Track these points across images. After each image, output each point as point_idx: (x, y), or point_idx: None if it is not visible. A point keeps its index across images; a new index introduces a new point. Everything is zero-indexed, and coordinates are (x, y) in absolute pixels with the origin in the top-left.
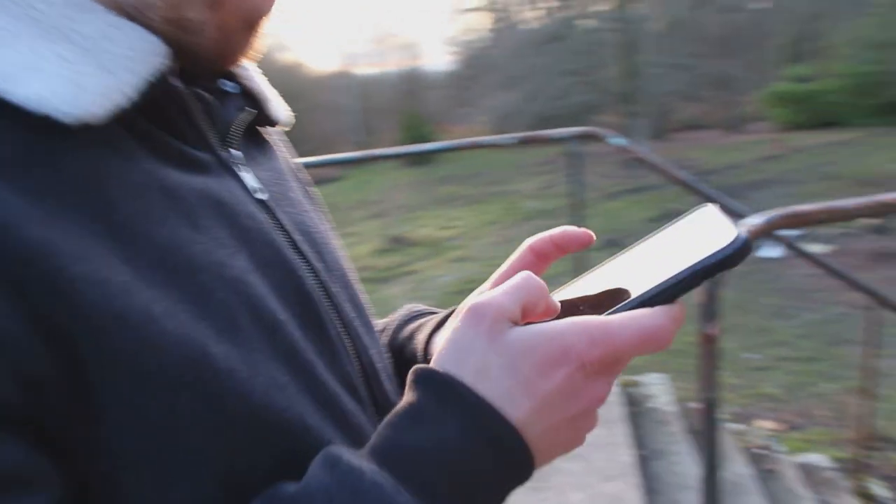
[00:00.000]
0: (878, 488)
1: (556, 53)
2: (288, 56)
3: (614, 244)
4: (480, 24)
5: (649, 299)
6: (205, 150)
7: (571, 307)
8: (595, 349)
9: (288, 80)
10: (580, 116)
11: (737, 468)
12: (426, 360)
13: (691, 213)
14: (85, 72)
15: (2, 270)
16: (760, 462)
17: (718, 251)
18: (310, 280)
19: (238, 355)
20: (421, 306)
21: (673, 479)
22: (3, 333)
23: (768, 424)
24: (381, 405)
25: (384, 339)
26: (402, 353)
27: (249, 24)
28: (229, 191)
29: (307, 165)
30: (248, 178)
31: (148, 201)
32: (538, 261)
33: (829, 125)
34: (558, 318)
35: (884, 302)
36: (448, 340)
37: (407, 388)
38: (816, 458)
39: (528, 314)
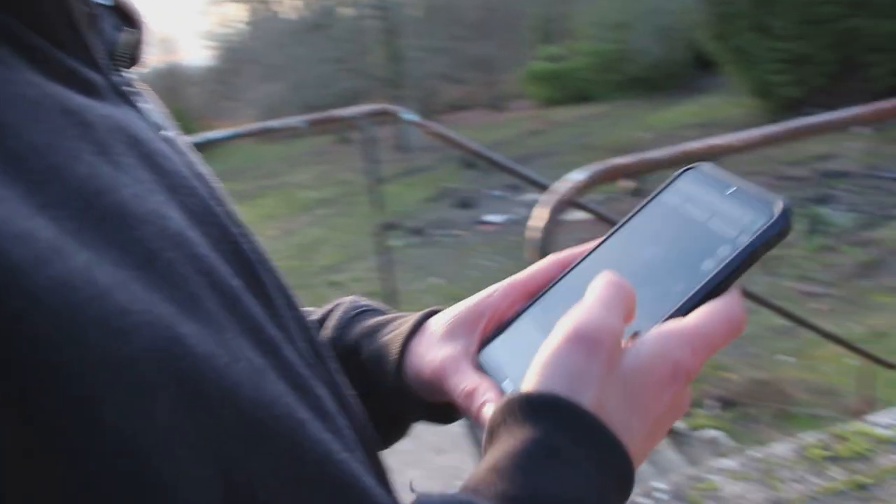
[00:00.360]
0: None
1: (318, 42)
2: None
3: (393, 227)
4: (237, 15)
5: (715, 288)
6: (94, 70)
7: None
8: (697, 358)
9: None
10: (349, 103)
11: None
12: (399, 368)
13: (684, 174)
14: None
15: None
16: None
17: (769, 224)
18: (243, 242)
19: (209, 335)
20: (363, 300)
21: None
22: None
23: None
24: (335, 392)
25: (324, 333)
26: (357, 354)
27: None
28: (134, 123)
29: None
30: (149, 110)
31: (51, 126)
32: (557, 271)
33: (582, 100)
34: None
35: None
36: (555, 367)
37: (516, 413)
38: None
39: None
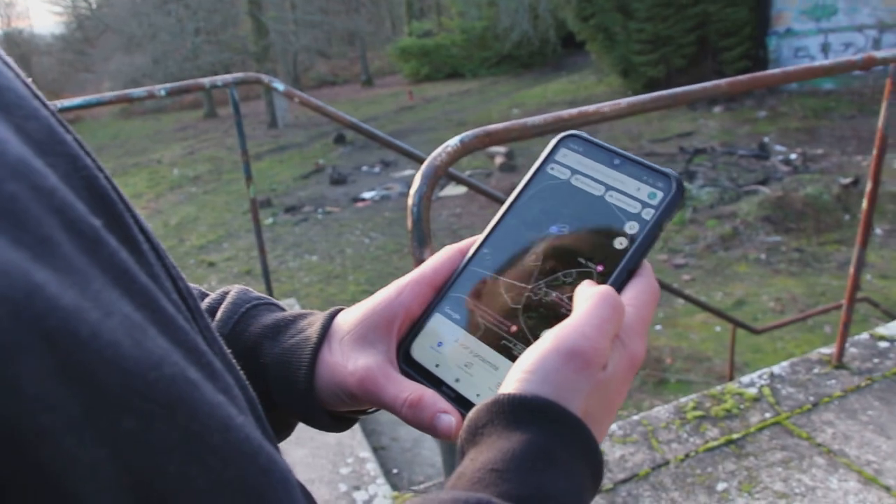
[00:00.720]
0: None
1: (180, 12)
2: None
3: (267, 205)
4: None
5: (633, 267)
6: None
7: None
8: (643, 341)
9: None
10: (215, 76)
11: None
12: (310, 377)
13: (560, 146)
14: None
15: None
16: None
17: (670, 198)
18: (98, 174)
19: (73, 286)
20: (254, 291)
21: (388, 417)
22: None
23: None
24: (217, 349)
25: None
26: (256, 355)
27: None
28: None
29: None
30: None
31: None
32: (449, 270)
33: (452, 76)
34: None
35: None
36: (544, 374)
37: (511, 418)
38: None
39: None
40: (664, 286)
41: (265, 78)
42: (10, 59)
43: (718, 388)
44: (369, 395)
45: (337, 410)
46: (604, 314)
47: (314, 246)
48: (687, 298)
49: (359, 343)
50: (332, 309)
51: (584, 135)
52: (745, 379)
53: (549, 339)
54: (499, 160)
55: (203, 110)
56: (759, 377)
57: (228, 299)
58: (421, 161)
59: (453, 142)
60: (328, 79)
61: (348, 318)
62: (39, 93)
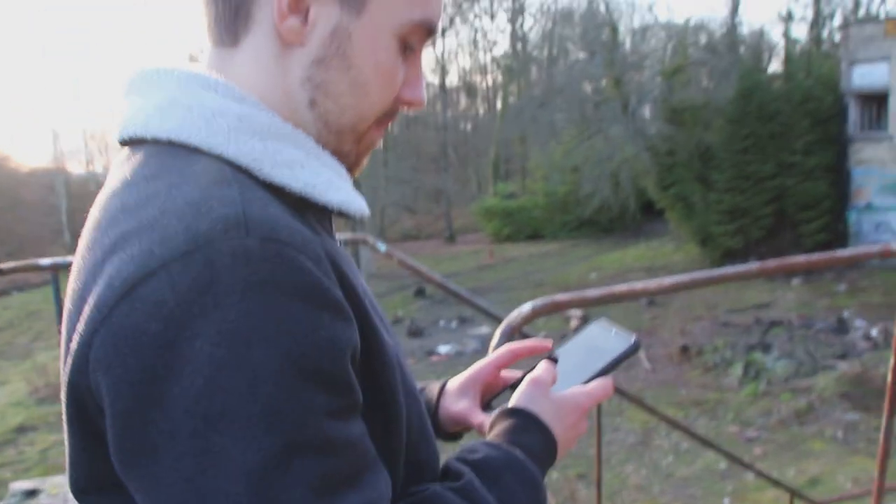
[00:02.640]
0: None
1: None
2: None
3: None
4: None
5: (599, 374)
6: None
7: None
8: (589, 402)
9: None
10: None
11: None
12: (436, 411)
13: (588, 325)
14: (351, 190)
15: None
16: None
17: (628, 347)
18: (379, 309)
19: (401, 363)
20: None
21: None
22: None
23: None
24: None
25: None
26: None
27: (367, 150)
28: (345, 254)
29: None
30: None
31: (349, 261)
32: (513, 358)
33: (533, 237)
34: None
35: None
36: (522, 395)
37: (509, 414)
38: None
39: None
40: (734, 459)
41: (370, 239)
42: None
43: None
44: (462, 420)
45: (448, 431)
46: (542, 369)
47: None
48: (758, 473)
49: (459, 394)
50: (444, 379)
51: (604, 320)
52: None
53: (525, 380)
54: (574, 323)
55: None
56: None
57: None
58: (498, 320)
59: (526, 307)
60: (412, 233)
61: (453, 382)
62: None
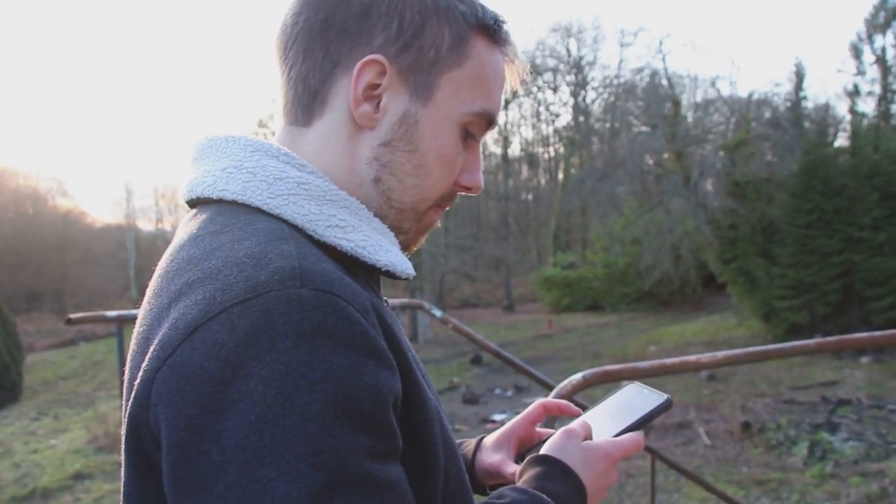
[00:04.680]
0: None
1: None
2: (66, 202)
3: None
4: None
5: (629, 428)
6: (380, 293)
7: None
8: (619, 453)
9: (62, 228)
10: None
11: None
12: (472, 465)
13: (623, 386)
14: (398, 252)
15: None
16: None
17: (660, 404)
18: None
19: (441, 417)
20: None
21: None
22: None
23: None
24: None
25: None
26: None
27: (425, 230)
28: (389, 311)
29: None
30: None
31: (392, 319)
32: (545, 414)
33: (592, 308)
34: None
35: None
36: (555, 444)
37: (536, 462)
38: None
39: (584, 437)
40: None
41: (426, 305)
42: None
43: None
44: (497, 472)
45: (484, 484)
46: (579, 422)
47: None
48: None
49: (494, 448)
50: (480, 436)
51: (637, 383)
52: None
53: (558, 431)
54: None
55: None
56: None
57: None
58: (552, 388)
59: (577, 377)
60: (471, 300)
61: (489, 438)
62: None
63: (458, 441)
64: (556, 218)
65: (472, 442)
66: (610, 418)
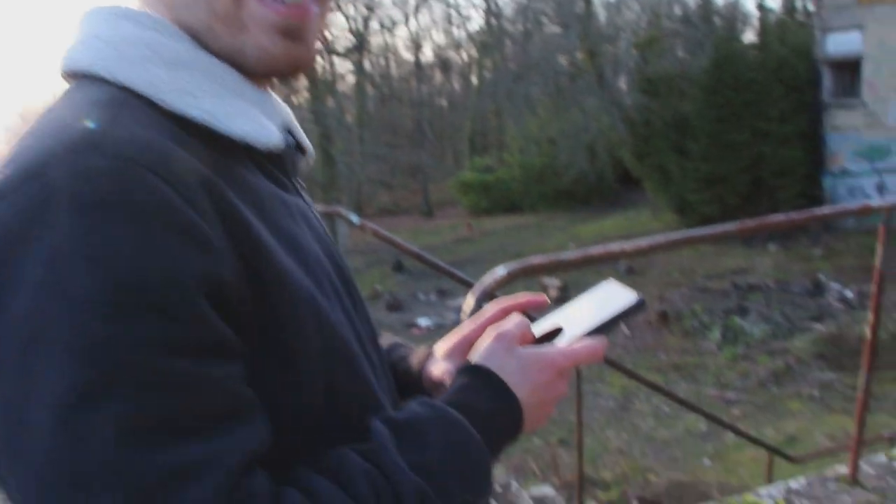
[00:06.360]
0: None
1: None
2: None
3: None
4: None
5: (590, 334)
6: (287, 178)
7: (542, 338)
8: (566, 361)
9: None
10: None
11: None
12: (419, 377)
13: (599, 285)
14: (263, 121)
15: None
16: (500, 498)
17: (629, 306)
18: (345, 270)
19: (328, 305)
20: (397, 338)
21: None
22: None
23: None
24: (380, 361)
25: None
26: (396, 367)
27: (276, 27)
28: (302, 205)
29: None
30: (305, 197)
31: (275, 204)
32: (503, 315)
33: (511, 210)
34: (537, 342)
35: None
36: (481, 350)
37: (460, 373)
38: (546, 490)
39: (521, 339)
40: (714, 420)
41: (343, 210)
42: (319, 217)
43: (736, 497)
44: (443, 382)
45: (431, 392)
46: (513, 321)
47: None
48: (737, 432)
49: (444, 359)
50: (433, 343)
51: (613, 280)
52: (763, 491)
53: (490, 332)
54: (553, 293)
55: None
56: (777, 490)
57: (385, 340)
58: None
59: (500, 270)
60: (390, 208)
61: (440, 346)
62: (328, 232)
63: (406, 351)
64: (471, 122)
65: (422, 351)
66: (571, 320)
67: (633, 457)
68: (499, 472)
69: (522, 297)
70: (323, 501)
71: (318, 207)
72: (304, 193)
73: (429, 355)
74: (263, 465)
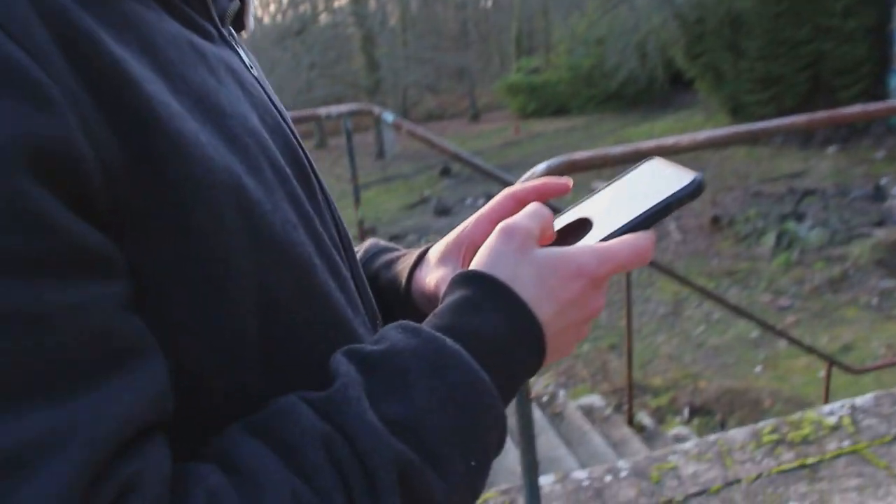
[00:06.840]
0: (646, 420)
1: (297, 48)
2: None
3: (373, 233)
4: None
5: (633, 227)
6: (210, 24)
7: (562, 233)
8: (602, 267)
9: None
10: (329, 107)
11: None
12: (408, 290)
13: (639, 165)
14: None
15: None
16: (546, 408)
17: (683, 188)
18: (301, 154)
19: (262, 191)
20: (382, 242)
21: None
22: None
23: (543, 380)
24: (354, 275)
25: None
26: (377, 281)
27: None
28: (234, 60)
29: None
30: (243, 54)
31: (181, 50)
32: (517, 207)
33: (558, 113)
34: (556, 242)
35: None
36: (484, 254)
37: (454, 285)
38: (594, 399)
39: (540, 238)
40: (767, 327)
41: (376, 109)
42: (264, 80)
43: (797, 414)
44: (435, 295)
45: (425, 313)
46: (529, 210)
47: None
48: (790, 340)
49: (438, 263)
50: (426, 245)
51: (659, 158)
52: (826, 408)
53: (498, 228)
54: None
55: (314, 140)
56: (841, 407)
57: (363, 247)
58: None
59: (541, 167)
60: (436, 113)
61: (435, 249)
62: (275, 98)
63: (391, 256)
64: (517, 22)
65: (411, 255)
66: (606, 211)
67: (684, 363)
68: (546, 379)
69: (541, 181)
70: (256, 491)
71: (349, 106)
72: (240, 48)
73: (420, 260)
74: (164, 435)
